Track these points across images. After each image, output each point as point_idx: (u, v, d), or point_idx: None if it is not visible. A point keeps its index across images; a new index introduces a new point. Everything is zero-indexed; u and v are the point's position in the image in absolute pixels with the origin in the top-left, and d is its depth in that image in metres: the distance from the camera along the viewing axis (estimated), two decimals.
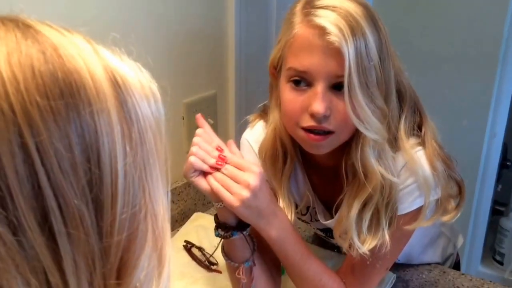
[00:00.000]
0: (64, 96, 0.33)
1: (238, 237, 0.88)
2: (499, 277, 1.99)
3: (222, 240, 0.91)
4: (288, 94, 0.82)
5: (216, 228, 0.89)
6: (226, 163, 0.82)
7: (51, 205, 0.33)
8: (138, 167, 0.37)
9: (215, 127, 1.44)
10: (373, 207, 0.85)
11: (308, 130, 0.81)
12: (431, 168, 0.85)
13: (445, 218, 0.90)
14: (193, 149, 0.83)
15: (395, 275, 1.10)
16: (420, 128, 0.89)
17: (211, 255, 1.13)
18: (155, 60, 1.30)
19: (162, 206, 0.40)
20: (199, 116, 0.88)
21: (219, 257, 0.99)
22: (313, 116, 0.79)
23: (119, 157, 0.36)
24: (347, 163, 0.87)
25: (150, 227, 0.39)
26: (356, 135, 0.83)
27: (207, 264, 1.15)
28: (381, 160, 0.83)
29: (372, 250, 0.86)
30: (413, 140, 0.87)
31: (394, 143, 0.85)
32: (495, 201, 2.07)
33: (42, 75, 0.33)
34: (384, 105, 0.80)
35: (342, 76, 0.76)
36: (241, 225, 0.88)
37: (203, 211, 1.42)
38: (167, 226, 0.42)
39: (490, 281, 1.11)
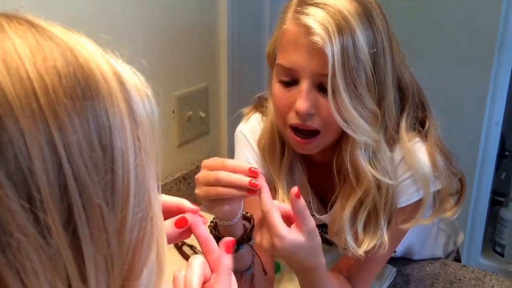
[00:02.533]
0: (86, 97, 0.34)
1: (244, 249, 0.84)
2: (500, 268, 1.98)
3: None
4: (277, 90, 0.82)
5: (217, 242, 0.84)
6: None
7: (77, 205, 0.33)
8: (143, 167, 0.38)
9: (207, 121, 1.43)
10: (369, 207, 0.83)
11: (295, 129, 0.81)
12: (430, 160, 0.84)
13: (447, 214, 0.89)
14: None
15: (395, 269, 1.08)
16: (423, 124, 0.88)
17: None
18: (145, 52, 1.29)
19: (157, 206, 0.41)
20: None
21: None
22: (297, 113, 0.79)
23: (131, 157, 0.37)
24: (338, 162, 0.86)
25: (154, 229, 0.40)
26: (345, 136, 0.82)
27: None
28: (376, 161, 0.82)
29: (370, 251, 0.84)
30: (413, 135, 0.86)
31: (392, 142, 0.84)
32: (494, 192, 2.06)
33: (66, 77, 0.34)
34: (375, 106, 0.79)
35: (327, 75, 0.75)
36: (246, 237, 0.84)
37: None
38: (163, 226, 0.43)
39: (493, 273, 1.10)
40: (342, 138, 0.82)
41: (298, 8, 0.78)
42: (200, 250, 1.10)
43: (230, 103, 1.46)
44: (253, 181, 0.70)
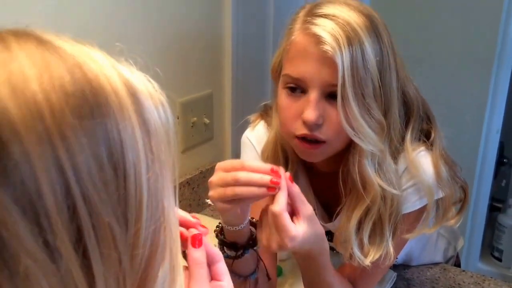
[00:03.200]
0: (94, 115, 0.33)
1: (248, 254, 0.84)
2: (498, 273, 1.99)
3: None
4: (284, 100, 0.82)
5: (223, 248, 0.84)
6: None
7: (86, 225, 0.33)
8: (157, 179, 0.38)
9: (211, 127, 1.44)
10: (374, 217, 0.84)
11: (302, 138, 0.81)
12: (434, 170, 0.85)
13: (449, 223, 0.89)
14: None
15: (395, 273, 1.09)
16: (428, 136, 0.89)
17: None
18: (151, 58, 1.28)
19: (173, 217, 0.40)
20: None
21: None
22: (305, 123, 0.78)
23: (143, 171, 0.36)
24: (344, 173, 0.85)
25: (168, 238, 0.40)
26: (352, 146, 0.82)
27: None
28: (381, 171, 0.82)
29: (375, 262, 0.85)
30: (418, 144, 0.87)
31: (397, 154, 0.84)
32: (493, 198, 2.08)
33: (73, 95, 0.33)
34: (381, 117, 0.79)
35: (336, 85, 0.75)
36: (252, 242, 0.84)
37: (198, 212, 1.40)
38: (178, 236, 0.42)
39: (491, 277, 1.11)
40: (348, 148, 0.83)
41: (307, 19, 0.78)
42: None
43: (234, 109, 1.47)
44: (274, 179, 0.72)
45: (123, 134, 0.35)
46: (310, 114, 0.77)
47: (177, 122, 1.32)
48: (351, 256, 0.85)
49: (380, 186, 0.81)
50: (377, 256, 0.84)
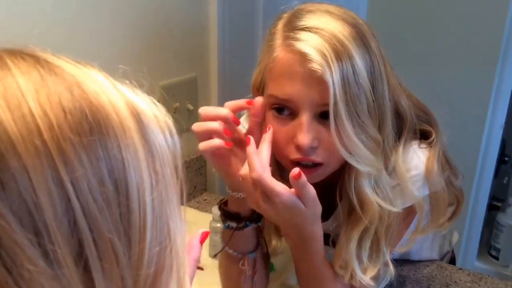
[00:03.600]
0: (93, 132, 0.34)
1: (250, 228, 0.84)
2: (495, 271, 2.00)
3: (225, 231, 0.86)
4: (272, 123, 0.77)
5: (225, 219, 0.85)
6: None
7: (87, 240, 0.33)
8: (162, 200, 0.38)
9: (195, 113, 1.37)
10: (372, 234, 0.81)
11: (297, 162, 0.76)
12: (425, 163, 0.82)
13: (441, 228, 0.89)
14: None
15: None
16: (427, 137, 0.85)
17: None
18: (130, 38, 1.22)
19: (181, 240, 0.41)
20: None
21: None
22: (299, 148, 0.74)
23: (147, 190, 0.37)
24: (340, 193, 0.83)
25: (174, 260, 0.40)
26: (347, 165, 0.78)
27: None
28: (379, 189, 0.79)
29: (375, 276, 0.83)
30: (411, 144, 0.84)
31: (390, 169, 0.81)
32: (493, 197, 2.08)
33: (71, 112, 0.34)
34: (377, 133, 0.76)
35: (328, 104, 0.70)
36: (256, 216, 0.83)
37: (181, 204, 1.35)
38: (186, 258, 0.43)
39: (488, 276, 1.11)
40: (344, 167, 0.79)
41: (289, 34, 0.73)
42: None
43: (220, 95, 1.40)
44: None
45: (125, 152, 0.36)
46: (304, 138, 0.73)
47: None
48: (352, 277, 0.82)
49: (378, 205, 0.78)
50: (375, 271, 0.83)
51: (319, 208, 0.74)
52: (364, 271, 0.82)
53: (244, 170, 0.73)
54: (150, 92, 1.23)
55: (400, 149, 0.81)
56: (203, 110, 0.77)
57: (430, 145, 0.84)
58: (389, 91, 0.77)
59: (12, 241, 0.31)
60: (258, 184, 0.71)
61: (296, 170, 0.69)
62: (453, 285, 1.07)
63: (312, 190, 0.72)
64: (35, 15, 0.97)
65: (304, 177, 0.70)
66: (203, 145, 0.76)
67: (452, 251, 1.25)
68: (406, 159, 0.82)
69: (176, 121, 1.27)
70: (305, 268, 0.83)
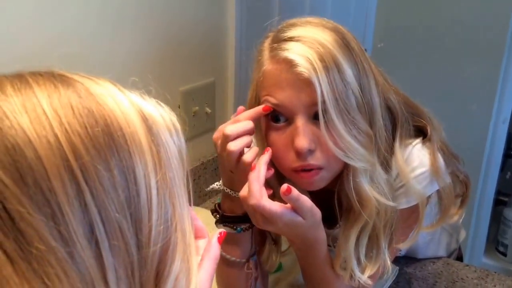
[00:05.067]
0: (99, 125, 0.39)
1: (244, 231, 0.86)
2: (503, 268, 1.98)
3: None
4: (270, 134, 0.79)
5: (221, 221, 0.86)
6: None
7: (96, 220, 0.37)
8: (167, 186, 0.42)
9: (212, 117, 1.42)
10: (370, 231, 0.82)
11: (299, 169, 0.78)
12: (430, 159, 0.84)
13: (453, 219, 0.88)
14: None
15: (397, 268, 1.08)
16: (424, 131, 0.87)
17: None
18: (151, 46, 1.27)
19: (187, 223, 0.45)
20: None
21: None
22: (298, 153, 0.75)
23: (152, 174, 0.41)
24: (339, 193, 0.83)
25: (179, 240, 0.43)
26: (345, 167, 0.80)
27: None
28: (374, 184, 0.80)
29: (373, 275, 0.84)
30: (410, 142, 0.86)
31: (386, 163, 0.82)
32: (499, 192, 2.06)
33: (79, 110, 0.39)
34: (368, 128, 0.77)
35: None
36: (249, 218, 0.84)
37: (198, 204, 1.39)
38: (193, 241, 0.46)
39: (495, 272, 1.10)
40: (343, 172, 0.80)
41: (274, 46, 0.76)
42: None
43: (236, 98, 1.44)
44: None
45: (130, 142, 0.40)
46: (301, 141, 0.74)
47: (179, 112, 1.30)
48: (352, 276, 0.83)
49: (376, 200, 0.79)
50: (374, 270, 0.83)
51: (318, 215, 0.75)
52: (362, 270, 0.83)
53: (243, 191, 0.75)
54: (171, 97, 1.26)
55: (397, 145, 0.83)
56: (230, 130, 0.77)
57: (428, 140, 0.85)
58: (376, 86, 0.79)
59: (28, 223, 0.35)
60: (257, 210, 0.73)
61: (284, 187, 0.70)
62: (460, 282, 1.07)
63: (307, 201, 0.73)
64: (60, 28, 1.00)
65: (295, 191, 0.71)
66: (233, 145, 0.77)
67: (459, 250, 1.25)
68: (407, 159, 0.83)
69: (195, 125, 1.32)
70: (311, 271, 0.85)
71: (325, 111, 0.72)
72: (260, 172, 0.74)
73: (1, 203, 0.35)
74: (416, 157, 0.84)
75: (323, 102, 0.71)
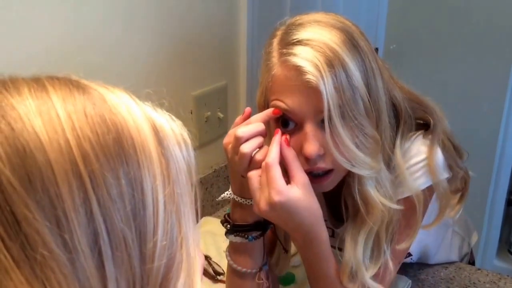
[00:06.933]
0: (111, 133, 0.38)
1: (256, 240, 0.86)
2: None
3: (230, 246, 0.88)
4: None
5: (232, 231, 0.86)
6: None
7: (101, 229, 0.37)
8: (175, 202, 0.42)
9: (225, 122, 1.41)
10: (374, 234, 0.82)
11: (309, 173, 0.78)
12: (427, 153, 0.84)
13: (450, 214, 0.88)
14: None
15: (410, 281, 1.07)
16: (426, 124, 0.87)
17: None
18: (163, 51, 1.27)
19: (192, 239, 0.44)
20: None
21: (225, 266, 0.95)
22: (307, 158, 0.76)
23: (160, 188, 0.40)
24: (345, 198, 0.84)
25: (184, 256, 0.43)
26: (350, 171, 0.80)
27: (213, 274, 1.08)
28: (380, 186, 0.80)
29: (375, 275, 0.83)
30: (410, 136, 0.86)
31: (389, 161, 0.83)
32: (510, 192, 2.02)
33: (92, 117, 0.38)
34: (374, 132, 0.77)
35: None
36: (261, 225, 0.85)
37: (211, 214, 1.38)
38: (197, 260, 0.46)
39: (507, 276, 1.09)
40: (349, 172, 0.80)
41: (283, 50, 0.76)
42: (215, 261, 1.09)
43: (249, 102, 1.43)
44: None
45: (139, 153, 0.40)
46: (310, 147, 0.75)
47: (191, 117, 1.30)
48: (363, 285, 0.82)
49: (382, 204, 0.79)
50: (375, 270, 0.83)
51: (315, 199, 0.76)
52: (366, 271, 0.82)
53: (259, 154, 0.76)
54: (184, 102, 1.26)
55: (398, 141, 0.83)
56: (242, 132, 0.77)
57: (431, 133, 0.85)
58: (383, 85, 0.79)
59: (33, 228, 0.34)
60: (266, 170, 0.74)
61: (284, 137, 0.75)
62: (472, 286, 1.06)
63: (305, 176, 0.75)
64: (69, 32, 1.00)
65: (293, 150, 0.75)
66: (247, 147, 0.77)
67: (471, 254, 1.25)
68: (405, 150, 0.84)
69: (208, 130, 1.30)
70: (312, 269, 0.85)
71: (330, 119, 0.72)
72: (272, 149, 0.75)
73: (9, 207, 0.34)
74: (414, 149, 0.84)
75: (329, 110, 0.72)
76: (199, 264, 0.47)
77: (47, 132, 0.36)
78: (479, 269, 1.13)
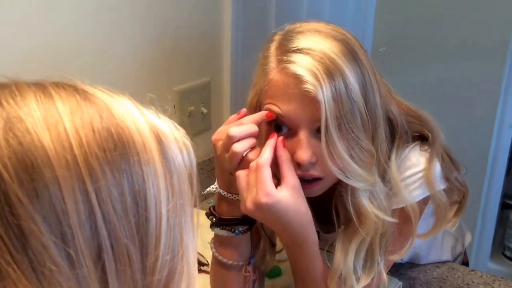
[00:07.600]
0: (117, 149, 0.39)
1: (243, 234, 0.85)
2: (509, 273, 1.97)
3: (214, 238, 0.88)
4: None
5: (218, 224, 0.86)
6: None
7: (105, 244, 0.37)
8: (177, 213, 0.42)
9: (208, 117, 1.40)
10: (367, 245, 0.82)
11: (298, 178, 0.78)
12: (425, 164, 0.83)
13: (447, 226, 0.88)
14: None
15: (401, 283, 1.04)
16: (425, 136, 0.86)
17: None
18: (146, 45, 1.25)
19: (192, 250, 0.45)
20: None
21: (210, 257, 0.94)
22: (299, 164, 0.76)
23: (163, 202, 0.41)
24: (336, 206, 0.83)
25: (185, 268, 0.44)
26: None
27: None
28: (373, 198, 0.80)
29: (368, 286, 0.83)
30: (406, 146, 0.85)
31: (385, 174, 0.82)
32: (505, 195, 2.05)
33: (99, 132, 0.39)
34: (370, 145, 0.77)
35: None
36: (248, 220, 0.84)
37: (193, 207, 1.36)
38: (196, 267, 0.46)
39: (502, 278, 1.08)
40: (340, 181, 0.79)
41: (283, 57, 0.75)
42: (199, 252, 1.07)
43: (233, 98, 1.43)
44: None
45: (145, 167, 0.40)
46: (304, 154, 0.75)
47: (174, 111, 1.29)
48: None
49: (375, 215, 0.79)
50: (368, 280, 0.82)
51: (305, 202, 0.76)
52: (357, 281, 0.82)
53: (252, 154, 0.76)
54: (167, 96, 1.26)
55: (393, 155, 0.83)
56: (234, 132, 0.76)
57: (428, 145, 0.85)
58: (381, 100, 0.79)
59: (39, 242, 0.35)
60: (256, 170, 0.73)
61: (281, 138, 0.75)
62: (465, 287, 1.05)
63: (295, 179, 0.75)
64: (54, 29, 1.00)
65: (287, 152, 0.75)
66: (239, 146, 0.77)
67: (465, 254, 1.24)
68: (400, 161, 0.84)
69: (191, 125, 1.31)
70: (299, 271, 0.84)
71: (327, 130, 0.72)
72: (265, 151, 0.75)
73: (17, 221, 0.35)
74: (412, 159, 0.84)
75: (326, 120, 0.71)
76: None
77: (55, 148, 0.37)
78: (472, 270, 1.11)
